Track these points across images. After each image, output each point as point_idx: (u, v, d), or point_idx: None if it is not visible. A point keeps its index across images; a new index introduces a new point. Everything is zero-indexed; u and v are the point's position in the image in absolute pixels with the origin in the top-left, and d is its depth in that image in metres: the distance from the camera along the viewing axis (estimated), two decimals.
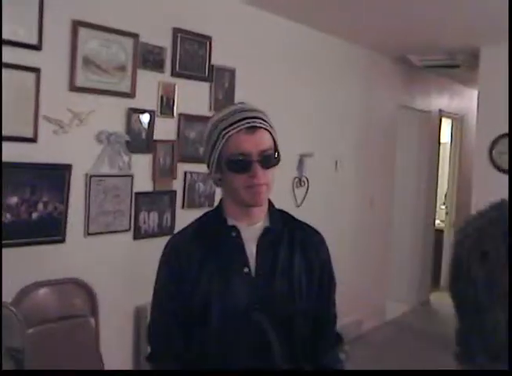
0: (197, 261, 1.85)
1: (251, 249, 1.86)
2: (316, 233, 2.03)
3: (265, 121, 1.86)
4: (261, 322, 1.81)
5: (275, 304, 1.84)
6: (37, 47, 3.13)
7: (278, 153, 1.87)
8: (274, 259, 1.86)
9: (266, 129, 1.84)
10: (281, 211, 2.00)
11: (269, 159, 1.83)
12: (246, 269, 1.83)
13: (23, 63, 3.08)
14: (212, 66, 4.22)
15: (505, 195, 4.44)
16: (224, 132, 1.79)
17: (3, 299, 2.83)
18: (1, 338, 2.66)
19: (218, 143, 1.81)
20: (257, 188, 1.81)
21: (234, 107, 1.88)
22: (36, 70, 3.14)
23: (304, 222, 2.03)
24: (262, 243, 1.87)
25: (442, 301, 8.05)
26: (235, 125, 1.79)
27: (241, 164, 1.79)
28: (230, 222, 1.89)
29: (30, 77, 3.12)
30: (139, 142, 3.76)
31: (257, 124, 1.82)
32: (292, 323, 1.86)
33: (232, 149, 1.79)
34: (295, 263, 1.88)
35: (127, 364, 3.83)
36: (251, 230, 1.88)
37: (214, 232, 1.90)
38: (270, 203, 1.96)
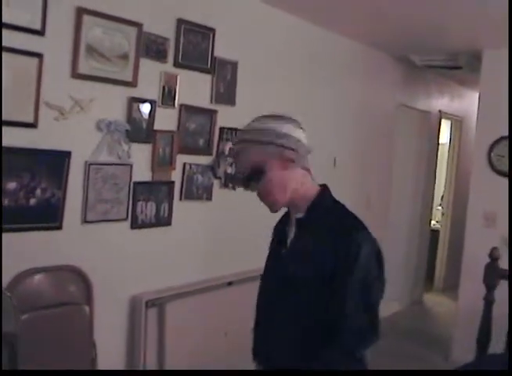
0: (273, 239, 2.34)
1: (291, 235, 2.17)
2: (347, 230, 2.04)
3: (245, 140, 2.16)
4: (275, 301, 2.18)
5: (289, 285, 2.09)
6: (40, 32, 3.11)
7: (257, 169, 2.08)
8: (298, 245, 2.13)
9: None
10: (323, 203, 2.15)
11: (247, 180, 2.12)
12: (284, 251, 2.18)
13: (25, 48, 3.06)
14: (215, 58, 4.20)
15: (503, 198, 4.50)
16: None
17: None
18: (1, 331, 2.66)
19: None
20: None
21: None
22: (39, 56, 3.12)
23: (343, 217, 2.13)
24: (296, 230, 2.15)
25: (435, 302, 8.09)
26: None
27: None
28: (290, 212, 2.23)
29: (32, 62, 3.10)
30: (139, 131, 3.75)
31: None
32: (300, 307, 2.07)
33: None
34: (312, 253, 2.05)
35: (120, 353, 3.84)
36: (293, 220, 2.17)
37: (283, 219, 2.30)
38: (318, 194, 2.15)
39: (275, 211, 2.15)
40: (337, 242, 2.01)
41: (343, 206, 2.17)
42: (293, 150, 2.09)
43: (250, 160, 2.06)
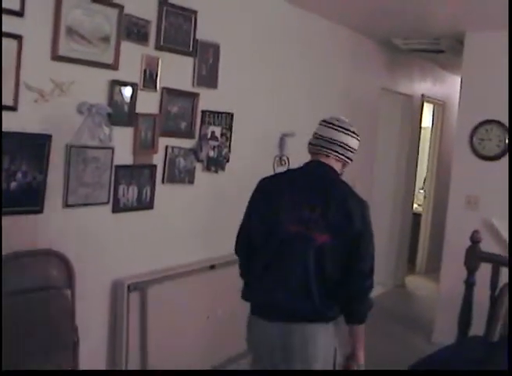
0: None
1: None
2: None
3: None
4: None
5: None
6: (19, 13, 3.06)
7: None
8: None
9: None
10: None
11: None
12: None
13: (4, 29, 3.01)
14: (197, 40, 4.17)
15: (484, 181, 4.55)
16: None
17: None
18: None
19: None
20: None
21: None
22: (18, 38, 3.07)
23: None
24: None
25: (417, 284, 8.14)
26: None
27: None
28: None
29: (11, 44, 3.05)
30: (121, 114, 3.72)
31: None
32: None
33: None
34: None
35: (102, 337, 3.83)
36: None
37: None
38: None
39: None
40: None
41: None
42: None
43: None
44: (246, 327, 2.93)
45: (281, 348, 2.75)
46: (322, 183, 2.81)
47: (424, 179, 8.90)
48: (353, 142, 2.86)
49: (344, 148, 2.83)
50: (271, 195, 2.86)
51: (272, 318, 2.77)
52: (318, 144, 2.86)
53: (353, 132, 2.87)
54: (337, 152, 2.82)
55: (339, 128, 2.84)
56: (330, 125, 2.86)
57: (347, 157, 2.87)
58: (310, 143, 2.91)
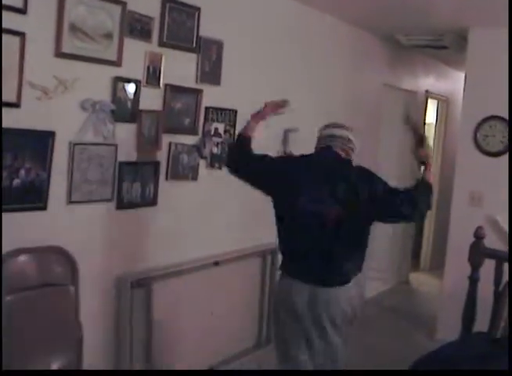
0: None
1: None
2: None
3: None
4: None
5: None
6: (22, 11, 3.06)
7: None
8: None
9: None
10: None
11: None
12: None
13: (7, 26, 3.01)
14: (200, 37, 4.17)
15: (488, 177, 4.55)
16: None
17: None
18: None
19: None
20: None
21: None
22: (21, 35, 3.07)
23: None
24: None
25: (421, 281, 8.14)
26: None
27: None
28: None
29: (14, 41, 3.05)
30: (124, 111, 3.72)
31: None
32: None
33: None
34: None
35: (107, 333, 3.84)
36: None
37: None
38: None
39: None
40: None
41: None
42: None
43: None
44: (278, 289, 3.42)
45: (309, 305, 3.18)
46: (329, 164, 3.26)
47: None
48: (350, 135, 3.39)
49: (345, 139, 3.35)
50: (289, 175, 3.26)
51: (302, 280, 3.20)
52: (323, 143, 3.35)
53: (347, 127, 3.43)
54: (339, 143, 3.33)
55: (336, 127, 3.40)
56: (328, 126, 3.41)
57: (350, 147, 3.37)
58: (316, 147, 3.40)
